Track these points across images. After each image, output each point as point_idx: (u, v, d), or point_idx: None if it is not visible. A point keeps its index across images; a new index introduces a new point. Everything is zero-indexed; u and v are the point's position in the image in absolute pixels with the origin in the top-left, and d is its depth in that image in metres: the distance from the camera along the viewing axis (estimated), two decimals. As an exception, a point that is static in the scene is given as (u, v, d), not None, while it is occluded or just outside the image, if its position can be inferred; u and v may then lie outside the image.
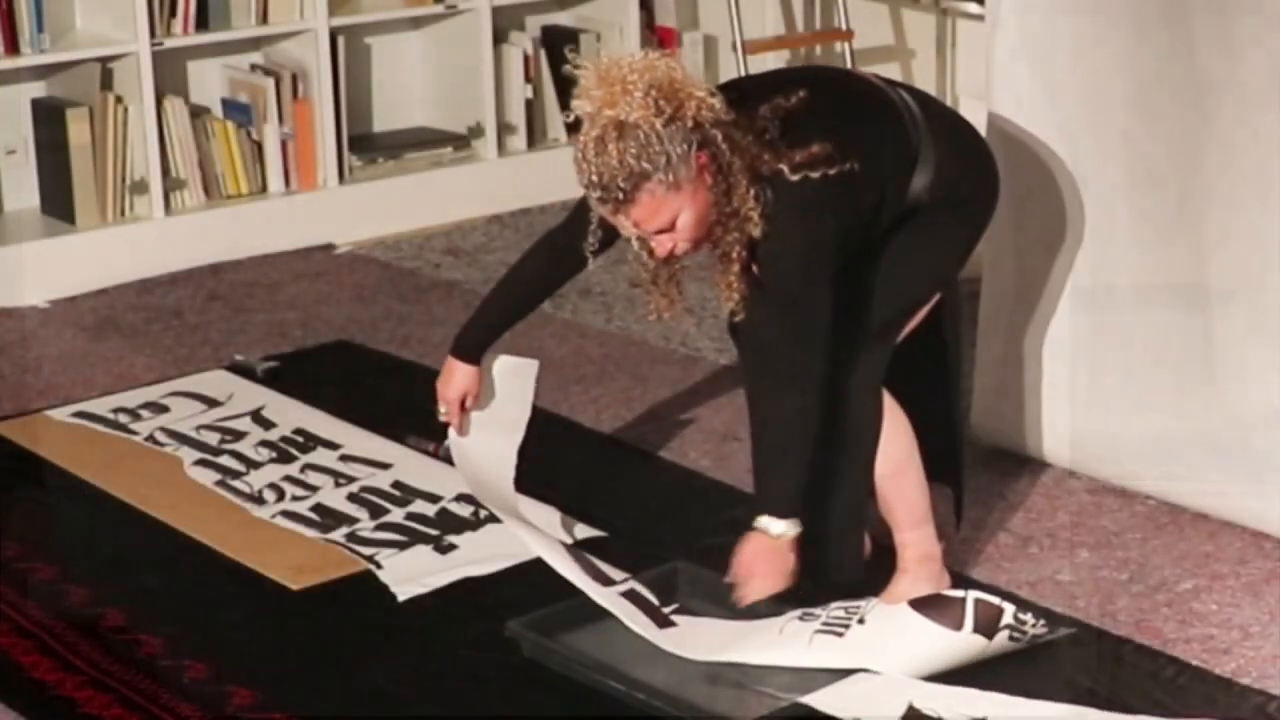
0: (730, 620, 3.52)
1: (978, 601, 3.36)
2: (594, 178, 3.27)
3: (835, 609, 3.44)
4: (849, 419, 3.52)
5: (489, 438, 3.82)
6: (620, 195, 3.27)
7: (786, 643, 3.40)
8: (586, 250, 3.50)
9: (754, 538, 3.37)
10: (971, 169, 3.59)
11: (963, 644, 3.36)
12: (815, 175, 3.33)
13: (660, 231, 3.33)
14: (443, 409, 3.78)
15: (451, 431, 3.81)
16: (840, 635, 3.36)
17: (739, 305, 3.39)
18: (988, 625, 3.35)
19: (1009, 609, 3.37)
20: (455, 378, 3.76)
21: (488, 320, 3.79)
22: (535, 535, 3.69)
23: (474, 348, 3.77)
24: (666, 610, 3.57)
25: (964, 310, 3.80)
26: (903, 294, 3.56)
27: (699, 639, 3.48)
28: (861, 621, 3.38)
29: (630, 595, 3.57)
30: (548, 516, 3.97)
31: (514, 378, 3.85)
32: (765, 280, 3.39)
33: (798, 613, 3.46)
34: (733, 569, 3.40)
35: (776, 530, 3.35)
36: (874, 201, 3.44)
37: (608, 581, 3.60)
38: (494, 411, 3.82)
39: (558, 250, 3.66)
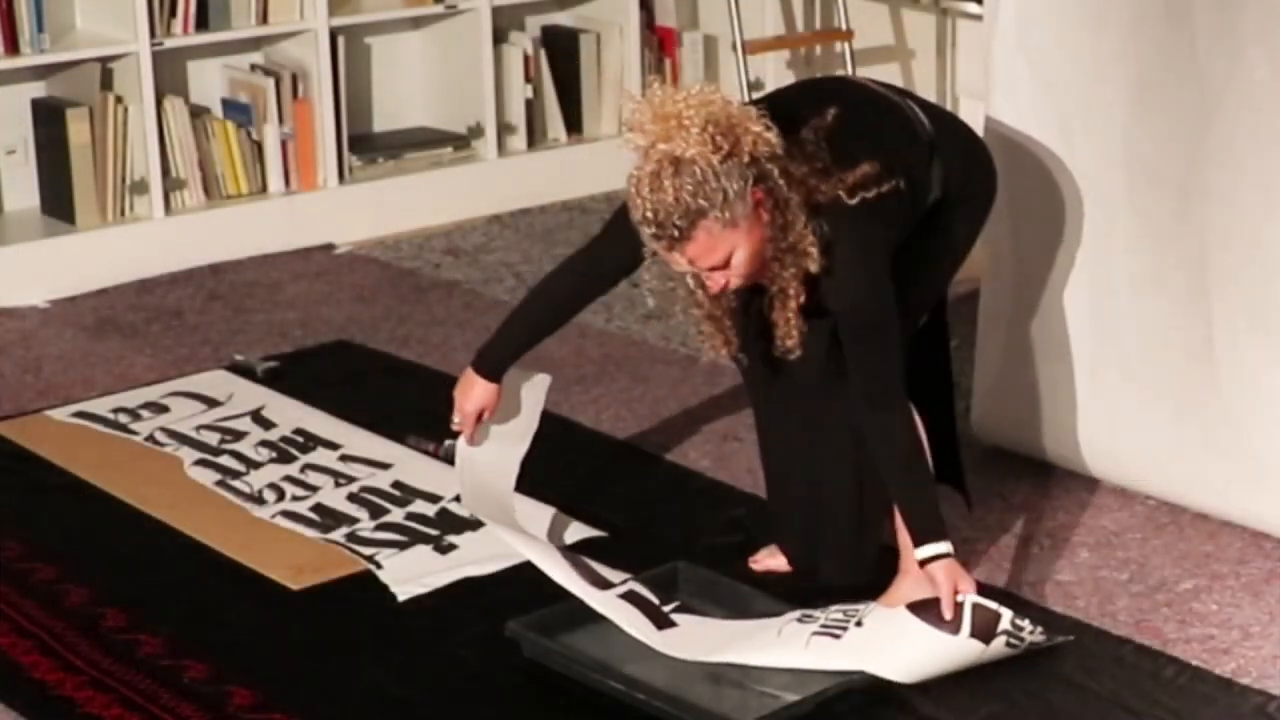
0: (730, 620, 3.53)
1: (975, 606, 3.35)
2: (649, 214, 3.24)
3: (834, 611, 3.44)
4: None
5: (495, 446, 3.82)
6: (676, 233, 3.25)
7: (784, 644, 3.40)
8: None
9: (938, 565, 3.37)
10: (974, 166, 3.61)
11: (959, 648, 3.36)
12: (870, 195, 3.33)
13: (715, 269, 3.31)
14: (456, 419, 3.77)
15: (461, 441, 3.81)
16: (837, 638, 3.36)
17: (797, 343, 3.38)
18: (985, 630, 3.35)
19: (1006, 614, 3.37)
20: (475, 392, 3.74)
21: (513, 337, 3.75)
22: (529, 543, 3.69)
23: (497, 365, 3.74)
24: (667, 609, 3.56)
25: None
26: (921, 294, 3.58)
27: (697, 640, 3.47)
28: (859, 624, 3.38)
29: (629, 596, 3.57)
30: (542, 515, 3.98)
31: (527, 391, 3.85)
32: (838, 308, 3.37)
33: (797, 614, 3.46)
34: (943, 602, 3.36)
35: (945, 549, 3.38)
36: (912, 211, 3.45)
37: (605, 585, 3.59)
38: (503, 421, 3.82)
39: (585, 272, 3.66)
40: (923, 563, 3.39)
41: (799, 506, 3.75)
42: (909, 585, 3.60)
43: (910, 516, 3.43)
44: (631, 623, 3.51)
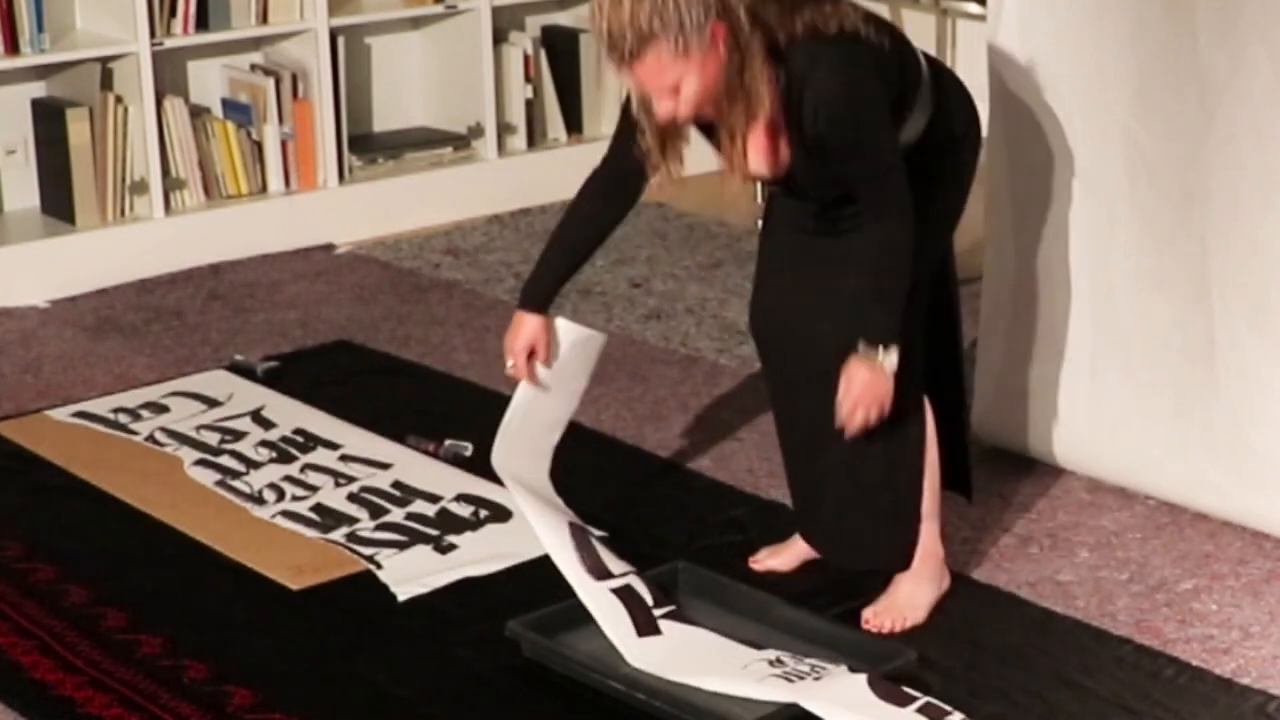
0: (712, 636, 3.51)
1: (930, 703, 3.30)
2: (605, 29, 3.25)
3: (804, 663, 3.42)
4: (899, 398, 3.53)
5: (548, 402, 3.74)
6: (627, 53, 3.25)
7: (744, 677, 3.37)
8: (641, 159, 3.46)
9: (860, 366, 3.40)
10: (961, 107, 3.58)
11: (900, 718, 3.28)
12: (849, 30, 3.34)
13: (663, 96, 3.31)
14: (509, 362, 3.67)
15: (521, 385, 3.69)
16: (790, 682, 3.34)
17: (743, 181, 3.40)
18: (934, 713, 3.29)
19: (958, 716, 3.27)
20: (522, 329, 3.66)
21: (550, 269, 3.69)
22: (541, 514, 3.64)
23: (540, 298, 3.67)
24: (658, 613, 3.55)
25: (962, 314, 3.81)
26: (926, 247, 3.54)
27: (668, 657, 3.45)
28: (817, 679, 3.35)
29: (623, 592, 3.55)
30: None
31: (581, 348, 3.75)
32: (823, 120, 3.34)
33: (771, 655, 3.45)
34: (840, 397, 3.42)
35: (882, 358, 3.39)
36: (898, 90, 3.44)
37: (604, 574, 3.58)
38: (555, 377, 3.72)
39: (606, 184, 3.63)
40: (860, 358, 3.40)
41: (829, 492, 3.68)
42: (910, 582, 3.61)
43: (869, 311, 3.41)
44: (613, 624, 3.49)
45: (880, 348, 3.39)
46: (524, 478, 3.69)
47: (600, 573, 3.58)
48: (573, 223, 3.68)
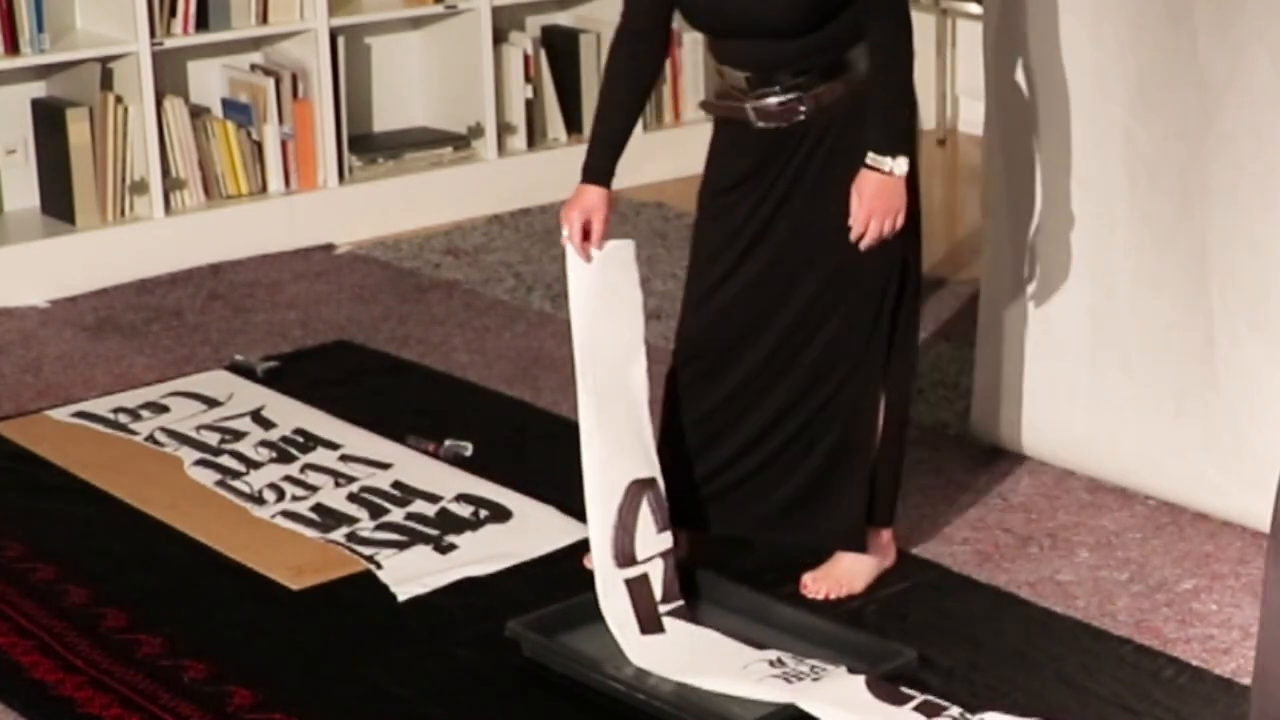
0: (714, 637, 3.51)
1: (927, 700, 3.30)
2: None
3: (804, 664, 3.42)
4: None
5: (610, 326, 3.62)
6: None
7: (743, 677, 3.38)
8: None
9: (871, 175, 3.48)
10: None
11: (898, 718, 3.27)
12: None
13: None
14: (565, 230, 3.60)
15: (570, 254, 3.58)
16: (790, 683, 3.35)
17: None
18: (930, 710, 3.30)
19: (955, 710, 3.29)
20: (581, 198, 3.60)
21: (604, 140, 3.67)
22: (599, 479, 3.55)
23: (600, 170, 3.65)
24: (664, 609, 3.56)
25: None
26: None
27: (671, 656, 3.45)
28: (816, 680, 3.36)
29: (637, 582, 3.54)
30: (545, 517, 3.97)
31: (614, 259, 3.63)
32: None
33: (772, 655, 3.45)
34: (853, 209, 3.49)
35: (890, 166, 3.48)
36: None
37: (629, 560, 3.54)
38: (612, 298, 3.63)
39: (633, 41, 3.65)
40: (870, 167, 3.48)
41: (780, 466, 3.72)
42: (850, 558, 3.69)
43: (874, 120, 3.49)
44: (619, 618, 3.49)
45: (889, 156, 3.47)
46: (611, 416, 3.57)
47: (626, 559, 3.54)
48: (613, 89, 3.67)
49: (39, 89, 5.76)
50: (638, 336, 3.62)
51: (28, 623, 3.68)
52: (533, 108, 6.43)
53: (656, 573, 3.58)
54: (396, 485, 4.27)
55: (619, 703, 3.36)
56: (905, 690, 3.30)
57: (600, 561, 3.53)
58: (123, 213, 5.73)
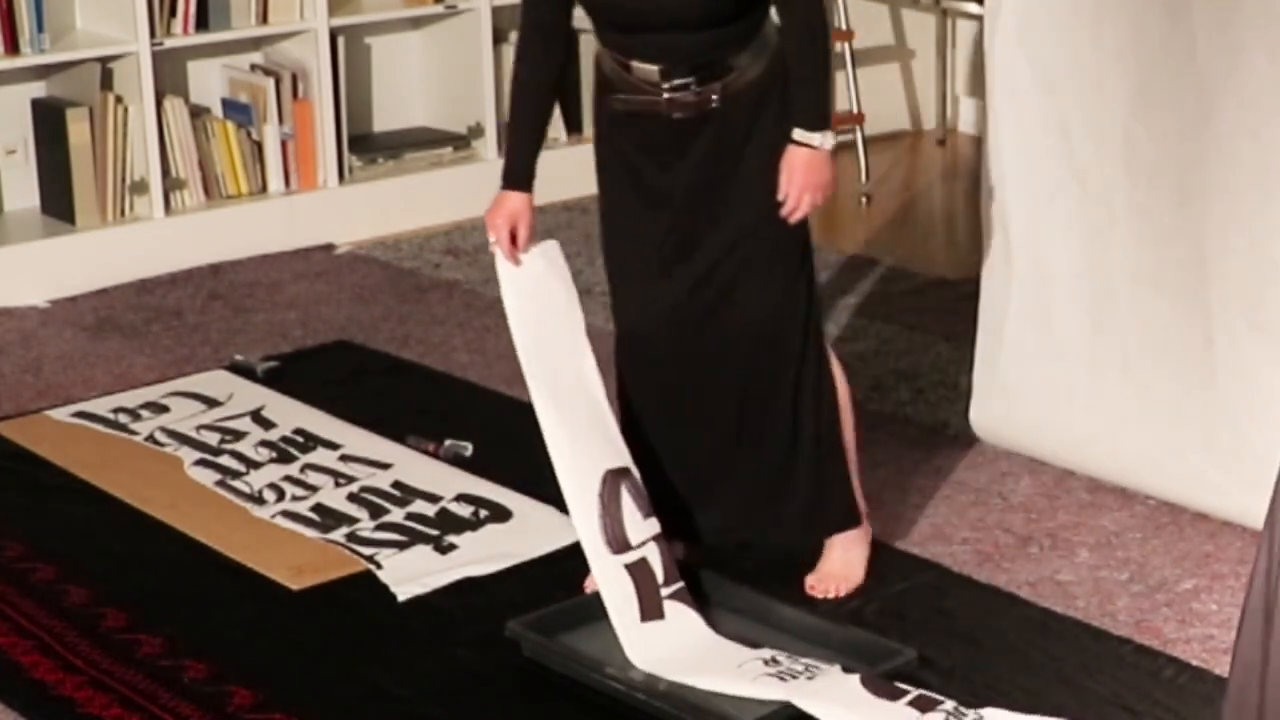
0: (709, 633, 3.51)
1: (921, 695, 3.31)
2: None
3: (799, 663, 3.42)
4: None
5: (551, 323, 3.67)
6: None
7: (738, 676, 3.38)
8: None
9: (799, 150, 3.56)
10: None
11: (893, 711, 3.28)
12: None
13: None
14: (492, 238, 3.67)
15: (500, 261, 3.64)
16: (784, 681, 3.35)
17: None
18: (925, 704, 3.30)
19: (950, 704, 3.30)
20: (504, 204, 3.65)
21: (519, 143, 3.72)
22: (573, 471, 3.55)
23: (520, 176, 3.69)
24: (665, 591, 3.55)
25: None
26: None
27: (667, 653, 3.45)
28: (811, 679, 3.36)
29: (636, 567, 3.53)
30: (545, 518, 3.97)
31: (548, 260, 3.70)
32: None
33: (767, 654, 3.45)
34: (783, 184, 3.55)
35: (819, 141, 3.56)
36: None
37: (623, 546, 3.53)
38: (544, 298, 3.67)
39: (534, 41, 3.70)
40: (796, 142, 3.55)
41: (739, 469, 3.73)
42: (840, 549, 3.73)
43: (798, 96, 3.56)
44: (620, 608, 3.49)
45: (816, 132, 3.55)
46: (570, 412, 3.59)
47: (620, 544, 3.54)
48: (522, 93, 3.72)
49: (39, 89, 5.76)
50: (580, 332, 3.66)
51: (28, 623, 3.68)
52: (532, 108, 6.42)
53: (654, 556, 3.57)
54: (396, 485, 4.27)
55: (619, 703, 3.36)
56: (900, 685, 3.31)
57: (595, 553, 3.52)
58: (123, 213, 5.73)
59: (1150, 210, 4.00)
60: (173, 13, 5.74)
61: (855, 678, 3.32)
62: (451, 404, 4.74)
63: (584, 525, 3.52)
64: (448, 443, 4.44)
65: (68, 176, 5.64)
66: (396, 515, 4.13)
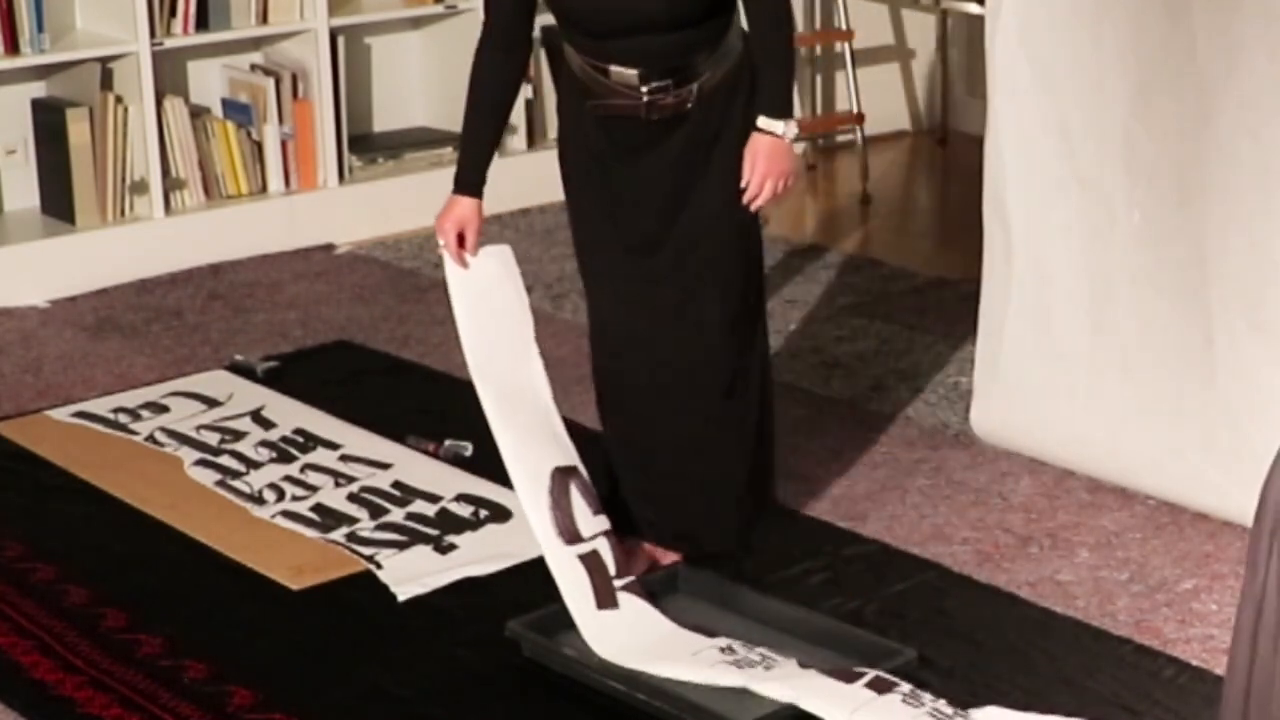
0: (664, 620, 3.53)
1: (878, 677, 3.32)
2: None
3: (755, 652, 3.43)
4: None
5: (500, 325, 3.74)
6: None
7: (694, 663, 3.40)
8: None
9: (763, 139, 3.63)
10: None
11: (849, 693, 3.30)
12: None
13: None
14: (440, 241, 3.73)
15: (448, 264, 3.72)
16: (740, 669, 3.36)
17: None
18: (882, 686, 3.31)
19: (906, 686, 3.31)
20: (453, 209, 3.73)
21: (473, 149, 3.79)
22: (522, 464, 3.59)
23: (471, 182, 3.76)
24: (618, 584, 3.56)
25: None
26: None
27: (625, 638, 3.47)
28: (768, 669, 3.37)
29: (588, 559, 3.55)
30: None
31: (500, 264, 3.76)
32: None
33: (723, 642, 3.47)
34: (746, 172, 3.62)
35: (782, 130, 3.63)
36: None
37: (574, 538, 3.56)
38: (497, 301, 3.74)
39: (494, 46, 3.74)
40: (759, 129, 3.63)
41: (676, 472, 3.78)
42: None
43: (763, 86, 3.64)
44: (575, 595, 3.50)
45: (780, 120, 3.62)
46: (517, 413, 3.64)
47: (571, 536, 3.56)
48: (479, 99, 3.78)
49: (39, 89, 5.76)
50: (529, 335, 3.72)
51: (28, 623, 3.68)
52: (533, 108, 6.43)
53: (605, 550, 3.59)
54: (396, 485, 4.27)
55: (619, 703, 3.36)
56: (857, 669, 3.33)
57: (547, 543, 3.54)
58: (123, 213, 5.73)
59: (1150, 210, 4.00)
60: (173, 13, 5.74)
61: (812, 670, 3.35)
62: (451, 404, 4.73)
63: (536, 517, 3.56)
64: (448, 443, 4.44)
65: (68, 176, 5.64)
66: (396, 515, 4.13)
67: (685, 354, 3.70)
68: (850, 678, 3.30)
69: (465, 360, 3.66)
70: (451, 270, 3.71)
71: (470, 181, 3.75)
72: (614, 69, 3.63)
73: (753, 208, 3.64)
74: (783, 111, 3.64)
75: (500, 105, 3.78)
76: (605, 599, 3.53)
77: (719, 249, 3.67)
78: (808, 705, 3.24)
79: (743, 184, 3.63)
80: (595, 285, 3.80)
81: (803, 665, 3.38)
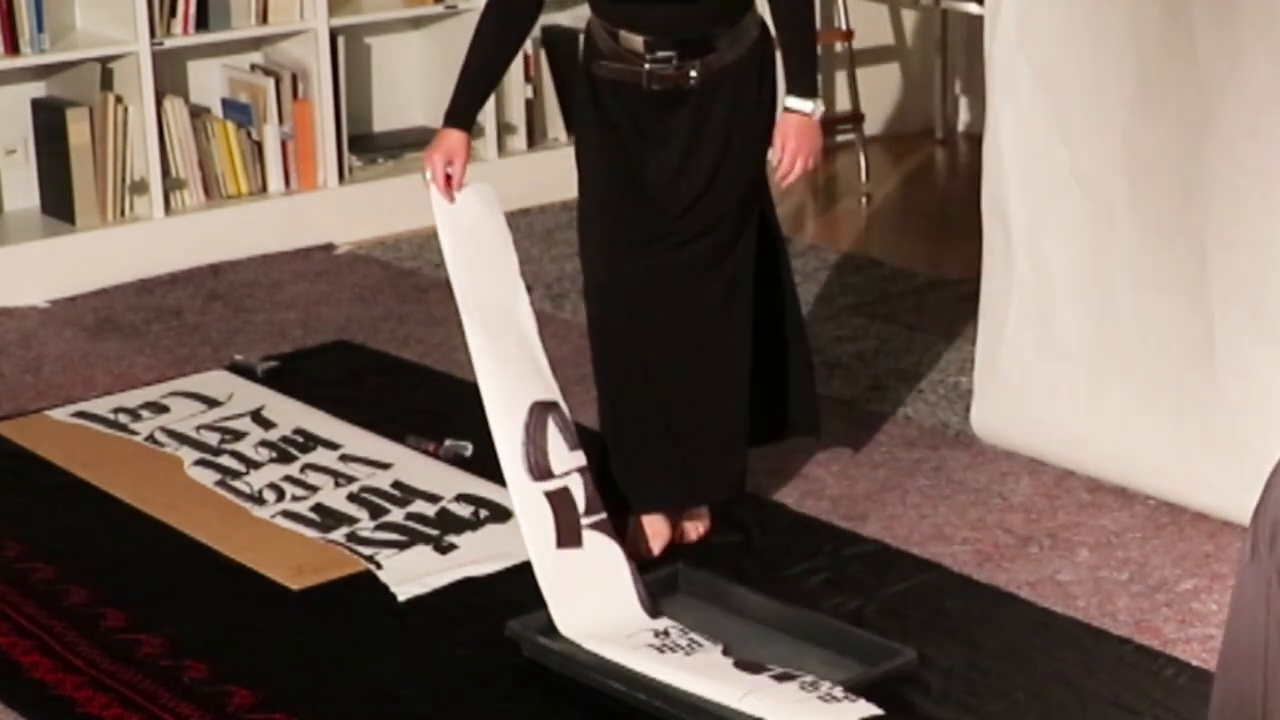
0: (621, 586, 3.56)
1: (785, 672, 3.35)
2: None
3: (685, 637, 3.48)
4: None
5: (487, 259, 3.76)
6: None
7: (623, 645, 3.42)
8: None
9: (792, 117, 3.74)
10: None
11: (747, 680, 3.32)
12: None
13: None
14: (428, 172, 3.74)
15: (435, 196, 3.73)
16: (661, 653, 3.41)
17: None
18: (785, 678, 3.33)
19: (809, 677, 3.33)
20: (443, 141, 3.74)
21: (468, 87, 3.81)
22: (499, 393, 3.61)
23: (462, 115, 3.78)
24: (586, 521, 3.57)
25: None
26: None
27: (577, 579, 3.51)
28: (689, 654, 3.41)
29: (557, 495, 3.56)
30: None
31: (479, 198, 3.77)
32: None
33: (661, 625, 3.51)
34: (776, 150, 3.75)
35: (810, 108, 3.74)
36: None
37: (545, 474, 3.57)
38: (478, 229, 3.76)
39: (502, 2, 3.76)
40: (788, 109, 3.75)
41: (684, 431, 3.85)
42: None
43: (790, 66, 3.76)
44: (536, 535, 3.52)
45: (808, 100, 3.74)
46: (501, 347, 3.67)
47: (541, 472, 3.57)
48: (482, 46, 3.79)
49: (39, 89, 5.76)
50: (514, 270, 3.75)
51: (28, 623, 3.68)
52: (533, 108, 6.43)
53: (577, 486, 3.60)
54: (396, 485, 4.27)
55: (619, 703, 3.36)
56: (768, 666, 3.36)
57: (514, 478, 3.55)
58: (123, 213, 5.73)
59: (1151, 210, 4.00)
60: (173, 13, 5.74)
61: (730, 659, 3.38)
62: (451, 404, 4.73)
63: (506, 453, 3.57)
64: (448, 443, 4.44)
65: (68, 176, 5.64)
66: (396, 515, 4.13)
67: (698, 308, 3.79)
68: (758, 669, 3.34)
69: (455, 297, 3.69)
70: (438, 205, 3.73)
71: (461, 115, 3.78)
72: (623, 34, 3.69)
73: (784, 185, 3.78)
74: (810, 91, 3.74)
75: (501, 53, 3.82)
76: (568, 537, 3.55)
77: (725, 232, 3.77)
78: (700, 690, 3.27)
79: (774, 162, 3.73)
80: (596, 254, 3.84)
81: (725, 654, 3.42)
